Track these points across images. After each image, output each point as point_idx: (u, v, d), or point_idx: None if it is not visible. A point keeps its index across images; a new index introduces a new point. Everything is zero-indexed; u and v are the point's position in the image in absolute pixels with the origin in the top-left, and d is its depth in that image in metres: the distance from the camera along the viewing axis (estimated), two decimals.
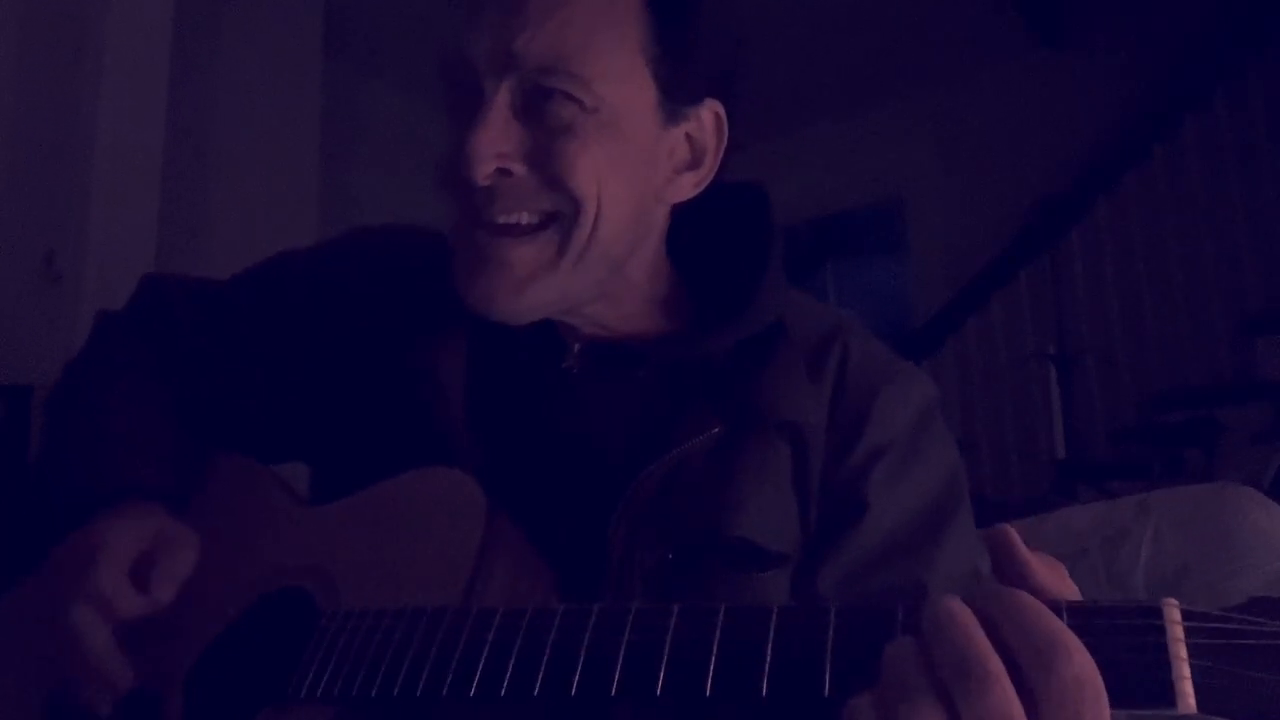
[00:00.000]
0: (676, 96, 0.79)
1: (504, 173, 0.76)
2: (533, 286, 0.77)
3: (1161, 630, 0.47)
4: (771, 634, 0.54)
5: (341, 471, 0.81)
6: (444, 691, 0.59)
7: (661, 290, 0.87)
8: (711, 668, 0.54)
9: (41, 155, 2.61)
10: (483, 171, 0.75)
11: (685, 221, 0.86)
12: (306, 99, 3.53)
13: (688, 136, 0.81)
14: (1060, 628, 0.47)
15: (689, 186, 0.82)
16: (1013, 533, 0.53)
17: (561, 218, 0.76)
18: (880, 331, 0.90)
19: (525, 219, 0.76)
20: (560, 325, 0.83)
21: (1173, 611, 0.48)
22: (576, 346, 0.83)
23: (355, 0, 3.77)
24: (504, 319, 0.79)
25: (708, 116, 0.81)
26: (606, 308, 0.83)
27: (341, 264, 0.93)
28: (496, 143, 0.75)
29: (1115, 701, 0.46)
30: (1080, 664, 0.46)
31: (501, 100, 0.75)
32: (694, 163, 0.82)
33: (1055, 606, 0.49)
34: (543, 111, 0.75)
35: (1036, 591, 0.50)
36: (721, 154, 0.82)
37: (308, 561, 0.75)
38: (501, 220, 0.76)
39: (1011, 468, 3.93)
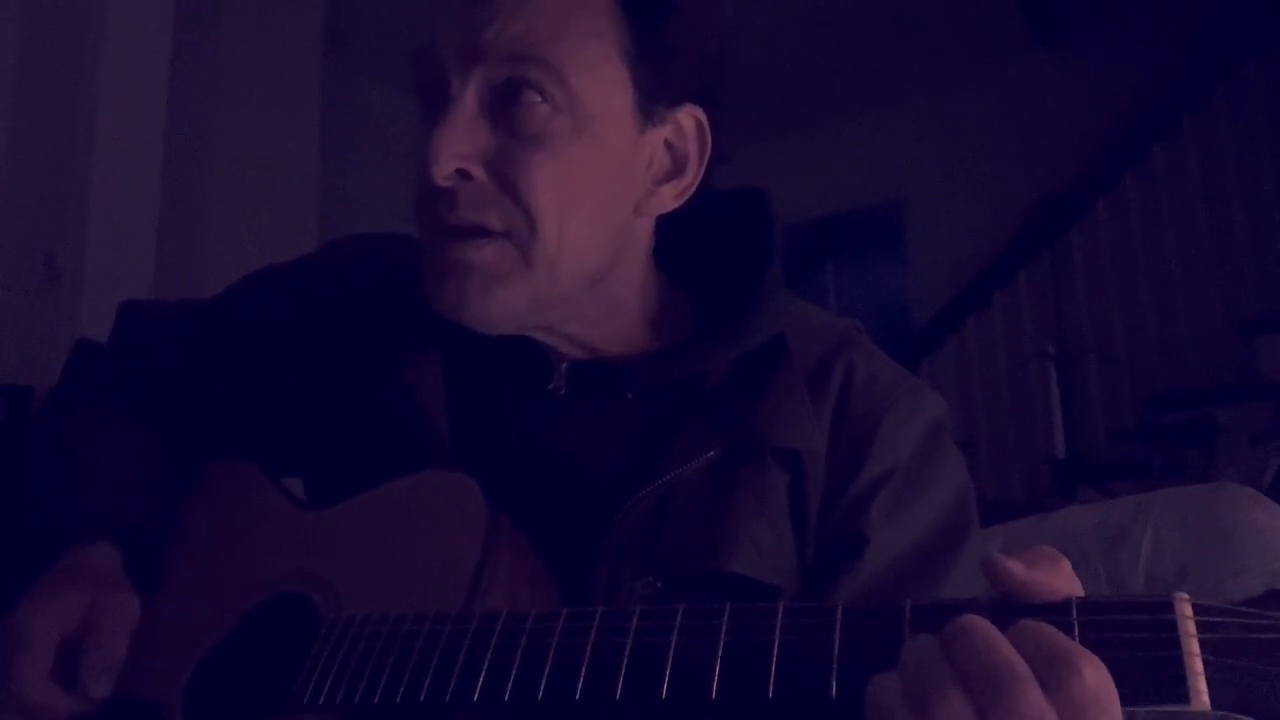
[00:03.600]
0: (655, 96, 0.74)
1: (464, 175, 0.72)
2: (502, 289, 0.73)
3: (1173, 625, 0.46)
4: (778, 634, 0.53)
5: (332, 486, 0.79)
6: (448, 698, 0.58)
7: (653, 308, 0.82)
8: (717, 669, 0.53)
9: (41, 155, 2.61)
10: (441, 172, 0.71)
11: (683, 232, 0.82)
12: (306, 99, 3.52)
13: (667, 144, 0.76)
14: (1069, 643, 0.47)
15: (670, 198, 0.78)
16: (1000, 560, 0.51)
17: (515, 233, 0.72)
18: (880, 331, 0.88)
19: (486, 224, 0.73)
20: (546, 347, 0.79)
21: (1184, 606, 0.47)
22: (564, 367, 0.79)
23: (355, 0, 3.77)
24: (475, 323, 0.74)
25: (688, 122, 0.76)
26: (589, 329, 0.79)
27: (321, 278, 0.90)
28: (458, 142, 0.71)
29: (1128, 700, 0.45)
30: (1090, 675, 0.45)
31: (469, 98, 0.72)
32: (675, 172, 0.77)
33: (1065, 603, 0.49)
34: (512, 114, 0.71)
35: (1041, 594, 0.50)
36: (705, 163, 0.78)
37: (308, 566, 0.75)
38: (464, 224, 0.73)
39: (1011, 468, 3.93)
